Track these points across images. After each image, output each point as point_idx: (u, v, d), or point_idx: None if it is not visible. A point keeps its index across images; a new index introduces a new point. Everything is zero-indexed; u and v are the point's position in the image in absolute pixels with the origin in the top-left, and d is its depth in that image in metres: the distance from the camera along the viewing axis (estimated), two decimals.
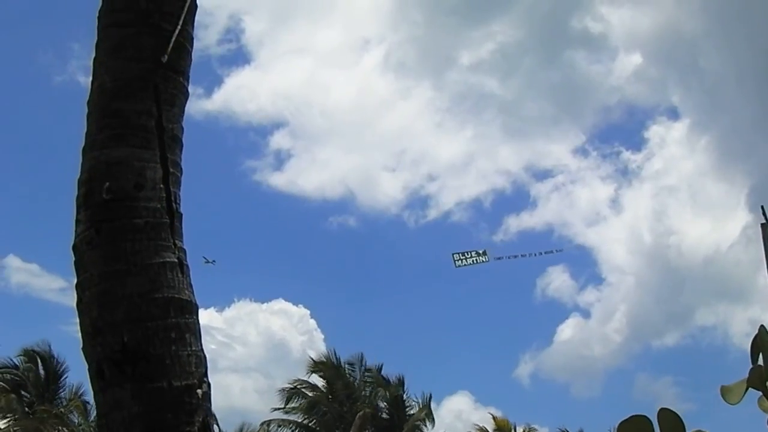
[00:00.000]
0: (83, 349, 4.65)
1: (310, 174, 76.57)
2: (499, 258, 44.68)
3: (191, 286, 4.77)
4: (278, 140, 79.72)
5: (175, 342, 4.53)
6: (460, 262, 42.00)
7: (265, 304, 65.24)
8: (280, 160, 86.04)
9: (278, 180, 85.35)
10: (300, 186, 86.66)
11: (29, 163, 74.10)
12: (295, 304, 63.63)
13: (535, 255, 48.11)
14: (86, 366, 4.64)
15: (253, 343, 67.14)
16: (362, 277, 74.49)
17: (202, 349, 4.68)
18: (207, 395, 4.59)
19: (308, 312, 63.13)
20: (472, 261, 42.07)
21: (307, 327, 65.21)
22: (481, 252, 42.24)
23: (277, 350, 67.16)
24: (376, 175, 74.84)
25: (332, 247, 74.91)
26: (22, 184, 74.01)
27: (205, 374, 4.64)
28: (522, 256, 46.98)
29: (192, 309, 4.70)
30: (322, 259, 74.59)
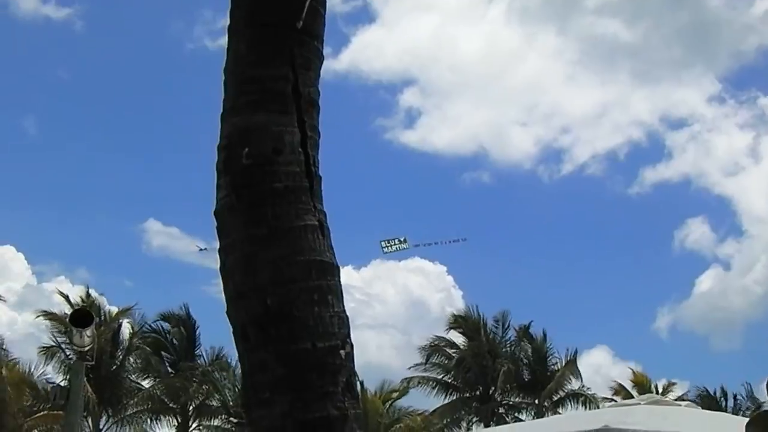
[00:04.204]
0: (227, 312, 4.75)
1: (441, 130, 76.48)
2: (416, 245, 48.08)
3: (332, 248, 4.82)
4: (408, 98, 79.86)
5: (317, 304, 4.58)
6: (387, 249, 45.23)
7: (402, 261, 65.69)
8: (411, 117, 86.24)
9: (410, 137, 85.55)
10: (432, 143, 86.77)
11: (165, 130, 75.86)
12: (432, 261, 63.86)
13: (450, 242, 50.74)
14: (231, 329, 4.73)
15: (390, 300, 67.70)
16: (497, 233, 74.32)
17: (344, 310, 4.72)
18: (350, 356, 4.64)
19: (445, 269, 63.29)
20: (396, 248, 45.32)
21: (444, 284, 65.42)
22: (402, 239, 45.22)
23: (415, 307, 67.61)
24: (508, 129, 74.40)
25: (466, 203, 74.83)
26: (158, 150, 75.85)
27: (348, 335, 4.68)
28: (435, 243, 50.85)
29: (333, 271, 4.75)
30: (456, 215, 74.59)
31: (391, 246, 44.80)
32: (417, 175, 78.09)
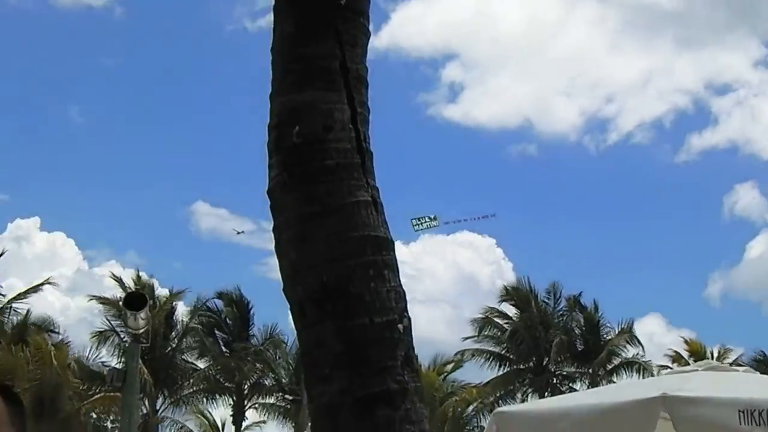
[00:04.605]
0: (284, 290, 4.77)
1: (484, 104, 76.47)
2: (446, 222, 48.85)
3: (386, 223, 4.82)
4: (450, 72, 79.71)
5: (373, 279, 4.59)
6: (417, 227, 45.20)
7: (451, 235, 65.70)
8: (454, 92, 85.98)
9: (453, 112, 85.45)
10: (475, 117, 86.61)
11: (209, 112, 76.23)
12: (481, 234, 63.82)
13: (479, 218, 53.14)
14: (283, 307, 4.76)
15: (440, 274, 67.72)
16: (546, 205, 74.04)
17: (400, 285, 4.73)
18: (408, 330, 4.65)
19: (494, 241, 63.22)
20: (427, 226, 45.54)
21: (493, 256, 65.33)
22: (432, 217, 45.53)
23: (465, 281, 67.62)
24: (552, 100, 73.90)
25: (513, 176, 74.62)
26: (204, 132, 76.24)
27: (405, 309, 4.69)
28: (465, 220, 53.20)
29: (388, 245, 4.76)
30: (504, 188, 74.47)
31: (421, 224, 44.88)
32: (462, 150, 77.97)
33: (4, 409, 2.27)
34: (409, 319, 4.70)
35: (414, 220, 44.49)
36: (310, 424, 4.88)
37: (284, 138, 4.81)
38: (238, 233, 65.92)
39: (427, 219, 45.28)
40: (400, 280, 4.76)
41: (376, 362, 4.49)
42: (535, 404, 10.51)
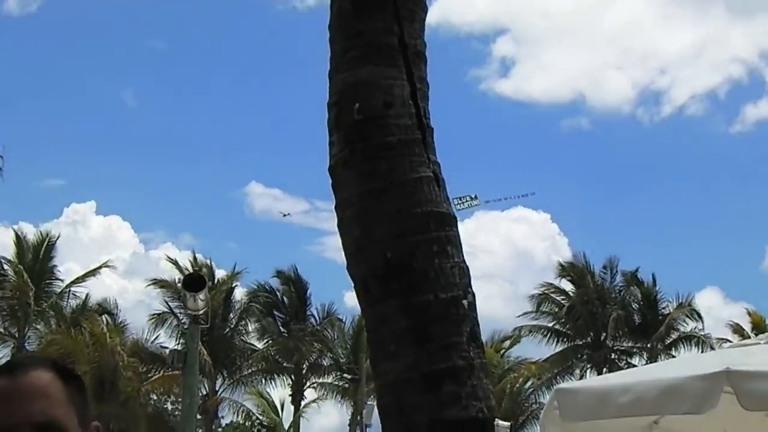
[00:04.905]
0: (348, 267, 4.76)
1: (536, 78, 75.75)
2: (487, 201, 49.35)
3: (448, 198, 4.80)
4: (501, 47, 79.29)
5: (437, 255, 4.57)
6: (458, 206, 45.22)
7: (505, 211, 65.49)
8: (505, 66, 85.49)
9: (505, 87, 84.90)
10: (527, 91, 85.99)
11: (260, 92, 76.42)
12: (535, 209, 63.57)
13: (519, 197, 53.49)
14: (339, 287, 4.76)
15: (495, 251, 67.54)
16: (600, 179, 73.53)
17: (463, 260, 4.70)
18: (472, 305, 4.62)
19: (549, 217, 62.95)
20: (468, 205, 45.99)
21: (549, 232, 65.10)
22: (472, 196, 46.08)
23: (520, 257, 67.41)
24: (604, 74, 73.25)
25: (566, 150, 74.14)
26: (255, 114, 76.53)
27: (469, 284, 4.66)
28: (505, 199, 53.93)
29: (451, 221, 4.73)
30: (557, 163, 74.06)
31: (463, 203, 44.89)
32: (514, 124, 77.61)
33: (60, 388, 2.21)
34: (473, 294, 4.67)
35: (455, 200, 44.65)
36: (376, 401, 4.87)
37: (345, 115, 4.80)
38: (285, 216, 66.16)
39: (468, 198, 45.49)
40: (463, 256, 4.73)
41: (441, 338, 4.47)
42: (595, 380, 10.44)
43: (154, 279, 49.21)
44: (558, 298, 50.57)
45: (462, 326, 4.53)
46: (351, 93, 4.81)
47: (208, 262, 49.63)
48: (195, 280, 15.30)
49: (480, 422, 4.45)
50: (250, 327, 51.16)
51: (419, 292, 4.50)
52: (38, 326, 45.57)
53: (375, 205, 4.64)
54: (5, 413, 2.15)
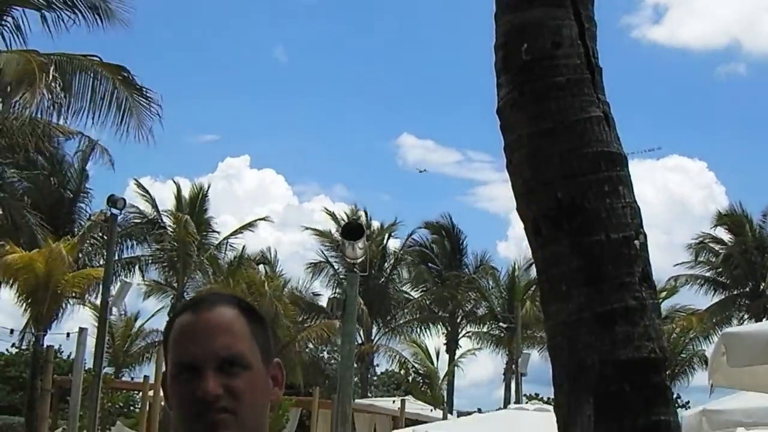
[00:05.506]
0: (518, 209, 4.78)
1: (690, 24, 73.65)
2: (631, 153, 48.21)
3: (618, 138, 4.75)
4: None
5: (608, 195, 4.53)
6: None
7: (660, 160, 64.19)
8: (658, 13, 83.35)
9: (657, 34, 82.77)
10: (681, 38, 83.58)
11: (413, 43, 76.41)
12: (691, 158, 62.16)
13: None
14: (522, 225, 4.77)
15: (650, 200, 66.37)
16: (758, 126, 71.44)
17: (635, 200, 4.66)
18: (644, 246, 4.58)
19: (705, 165, 61.49)
20: None
21: (705, 180, 63.61)
22: None
23: (676, 206, 66.11)
24: (760, 17, 70.70)
25: (722, 97, 72.09)
26: (407, 65, 76.58)
27: (641, 224, 4.62)
28: (631, 153, 52.35)
29: (622, 161, 4.69)
30: (713, 111, 72.14)
31: None
32: (668, 72, 75.80)
33: (244, 324, 2.24)
34: (645, 235, 4.63)
35: None
36: (546, 341, 4.89)
37: (512, 56, 4.78)
38: (420, 171, 66.41)
39: None
40: (634, 196, 4.69)
41: (613, 278, 4.45)
42: (763, 325, 10.22)
43: (311, 228, 50.09)
44: (715, 247, 49.58)
45: (634, 266, 4.49)
46: (518, 34, 4.79)
47: (362, 213, 50.23)
48: (354, 228, 15.52)
49: (652, 362, 4.43)
50: (405, 276, 51.65)
51: (591, 233, 4.49)
52: (196, 277, 46.96)
53: (545, 146, 4.62)
54: (190, 349, 2.23)
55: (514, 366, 39.51)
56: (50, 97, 23.96)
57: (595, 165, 4.57)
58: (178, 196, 48.67)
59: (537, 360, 47.96)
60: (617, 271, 4.46)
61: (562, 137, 4.60)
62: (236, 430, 2.17)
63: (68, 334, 26.88)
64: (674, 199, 67.17)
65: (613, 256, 4.47)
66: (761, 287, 47.93)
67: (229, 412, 2.16)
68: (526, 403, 30.94)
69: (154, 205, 47.88)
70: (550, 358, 4.70)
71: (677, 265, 49.26)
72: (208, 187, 49.73)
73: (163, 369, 2.35)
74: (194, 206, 48.00)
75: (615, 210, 4.53)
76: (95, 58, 24.90)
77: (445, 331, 50.38)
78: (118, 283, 24.60)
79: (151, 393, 24.84)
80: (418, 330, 50.29)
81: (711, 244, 49.57)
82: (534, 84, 4.70)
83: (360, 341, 46.01)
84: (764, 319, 42.13)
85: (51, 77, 23.34)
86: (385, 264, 49.97)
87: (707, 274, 49.27)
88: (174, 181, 49.94)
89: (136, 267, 47.02)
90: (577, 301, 4.45)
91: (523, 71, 4.74)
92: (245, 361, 2.20)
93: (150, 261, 47.58)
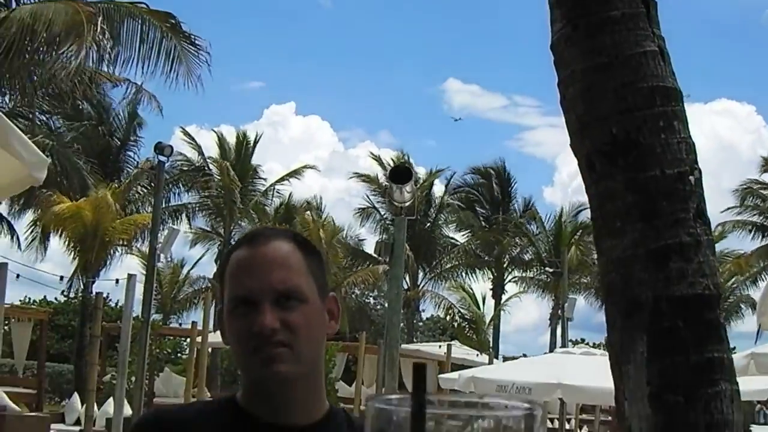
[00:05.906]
0: (571, 145, 4.74)
1: None
2: None
3: (674, 73, 4.68)
4: None
5: (663, 130, 4.49)
6: None
7: (708, 104, 63.42)
8: None
9: None
10: None
11: None
12: (740, 101, 61.37)
13: None
14: (576, 161, 4.73)
15: (698, 144, 65.66)
16: None
17: (689, 136, 4.61)
18: (699, 182, 4.54)
19: (754, 108, 60.68)
20: None
21: (754, 124, 62.82)
22: None
23: (724, 150, 65.43)
24: None
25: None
26: (452, 9, 76.00)
27: (696, 161, 4.57)
28: None
29: (677, 96, 4.63)
30: (762, 54, 70.98)
31: None
32: (715, 13, 74.72)
33: (300, 258, 2.24)
34: (700, 171, 4.58)
35: None
36: (600, 277, 4.88)
37: None
38: (456, 120, 66.12)
39: None
40: (689, 132, 4.64)
41: (668, 214, 4.41)
42: None
43: (358, 173, 50.17)
44: (763, 192, 49.09)
45: (689, 202, 4.46)
46: None
47: (408, 158, 50.22)
48: (401, 172, 15.52)
49: (706, 299, 4.41)
50: (451, 221, 51.67)
51: (646, 168, 4.45)
52: (243, 224, 47.29)
53: (600, 80, 4.58)
54: (247, 282, 2.24)
55: (560, 311, 39.47)
56: (98, 48, 24.04)
57: (650, 100, 4.52)
58: (221, 145, 48.90)
59: (582, 305, 48.00)
60: (672, 206, 4.42)
61: (617, 72, 4.55)
62: (293, 364, 2.19)
63: (117, 281, 27.16)
64: (722, 143, 66.44)
65: (668, 192, 4.43)
66: None
67: (286, 346, 2.18)
68: (573, 347, 31.02)
69: (201, 153, 48.18)
70: (603, 296, 4.69)
71: (724, 211, 48.91)
72: (256, 136, 49.89)
73: (219, 306, 2.35)
74: (240, 153, 48.22)
75: (670, 145, 4.48)
76: (142, 6, 24.90)
77: (491, 276, 50.43)
78: (166, 231, 24.77)
79: (198, 339, 25.09)
80: (464, 275, 50.45)
81: (759, 189, 49.08)
82: (588, 18, 4.65)
83: (406, 287, 46.13)
84: None
85: (99, 29, 23.38)
86: (431, 209, 49.95)
87: (755, 219, 48.87)
88: (215, 131, 50.19)
89: (183, 214, 47.47)
90: (631, 237, 4.43)
91: (577, 5, 4.69)
92: (302, 294, 2.21)
93: (197, 208, 47.98)
